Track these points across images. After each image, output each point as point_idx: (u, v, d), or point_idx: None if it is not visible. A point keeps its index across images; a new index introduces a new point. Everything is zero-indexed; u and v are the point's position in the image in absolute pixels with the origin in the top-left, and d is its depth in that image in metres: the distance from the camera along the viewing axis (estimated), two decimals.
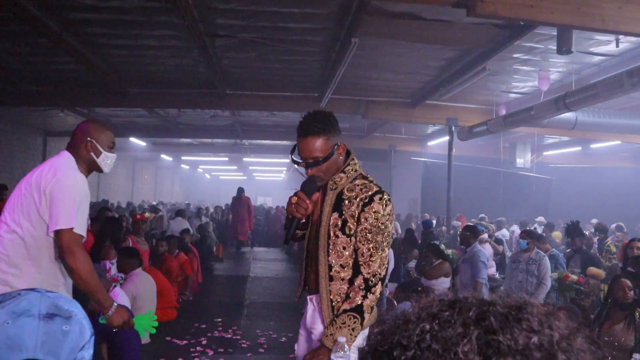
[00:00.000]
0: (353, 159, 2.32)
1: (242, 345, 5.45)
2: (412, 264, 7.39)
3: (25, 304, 0.97)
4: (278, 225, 15.73)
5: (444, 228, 12.07)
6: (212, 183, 38.47)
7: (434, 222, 12.42)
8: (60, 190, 2.33)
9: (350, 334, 2.09)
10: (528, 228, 9.48)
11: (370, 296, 2.13)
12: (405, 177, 18.55)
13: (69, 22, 6.67)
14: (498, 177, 15.17)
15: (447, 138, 11.59)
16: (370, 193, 2.19)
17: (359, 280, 2.15)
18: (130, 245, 6.43)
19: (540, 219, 13.16)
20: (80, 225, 2.37)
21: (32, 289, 1.03)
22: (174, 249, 7.64)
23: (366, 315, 2.13)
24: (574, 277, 6.01)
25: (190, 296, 7.75)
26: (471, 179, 15.35)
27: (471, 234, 6.12)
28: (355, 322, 2.10)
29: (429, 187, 17.40)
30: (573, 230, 6.99)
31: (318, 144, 2.21)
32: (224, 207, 18.83)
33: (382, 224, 2.16)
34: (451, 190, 11.32)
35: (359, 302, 2.12)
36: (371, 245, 2.16)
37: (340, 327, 2.11)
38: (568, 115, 8.56)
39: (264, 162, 24.93)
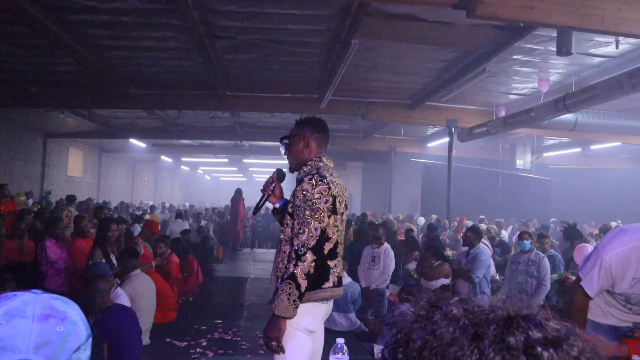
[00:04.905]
0: (320, 159, 2.61)
1: (242, 346, 5.44)
2: (412, 265, 7.38)
3: (19, 305, 0.97)
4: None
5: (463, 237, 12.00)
6: (212, 184, 38.46)
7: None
8: None
9: (288, 299, 2.30)
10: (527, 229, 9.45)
11: (300, 264, 2.33)
12: (405, 179, 18.55)
13: (69, 23, 6.68)
14: (498, 178, 15.17)
15: (447, 139, 11.60)
16: (303, 175, 2.52)
17: (291, 252, 2.39)
18: (142, 251, 6.43)
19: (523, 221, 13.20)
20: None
21: (29, 290, 1.03)
22: (168, 249, 7.62)
23: (301, 281, 2.31)
24: (574, 278, 6.00)
25: (190, 297, 7.75)
26: (471, 180, 15.35)
27: (475, 235, 6.12)
28: (290, 288, 2.31)
29: (429, 189, 17.38)
30: (571, 232, 6.97)
31: (291, 132, 2.70)
32: (223, 208, 18.83)
33: (309, 200, 2.40)
34: (451, 191, 11.32)
35: (292, 270, 2.33)
36: (300, 220, 2.40)
37: (279, 295, 2.32)
38: (568, 116, 8.57)
39: (264, 164, 24.91)
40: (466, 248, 6.22)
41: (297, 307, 2.32)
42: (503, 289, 6.41)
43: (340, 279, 2.55)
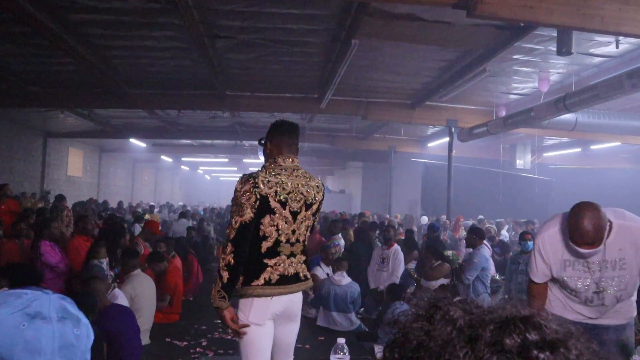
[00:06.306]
0: (275, 160, 2.66)
1: None
2: (412, 265, 7.37)
3: (37, 306, 0.97)
4: None
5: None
6: (212, 184, 38.45)
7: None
8: None
9: (214, 289, 2.50)
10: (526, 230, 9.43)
11: (223, 256, 2.48)
12: (406, 178, 18.55)
13: (69, 23, 6.68)
14: (498, 178, 15.17)
15: (447, 139, 11.59)
16: None
17: None
18: (142, 251, 6.43)
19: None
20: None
21: (35, 288, 1.03)
22: (170, 250, 7.61)
23: (223, 274, 2.47)
24: None
25: (190, 297, 7.74)
26: (471, 180, 15.35)
27: (476, 236, 6.11)
28: (216, 279, 2.50)
29: (429, 188, 17.39)
30: None
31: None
32: (224, 209, 18.84)
33: (236, 197, 2.52)
34: (451, 191, 11.32)
35: (219, 264, 2.52)
36: (230, 216, 2.57)
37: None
38: (568, 116, 8.56)
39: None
40: (470, 249, 6.22)
41: (223, 298, 2.48)
42: (503, 289, 6.42)
43: (285, 276, 2.59)
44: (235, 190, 2.52)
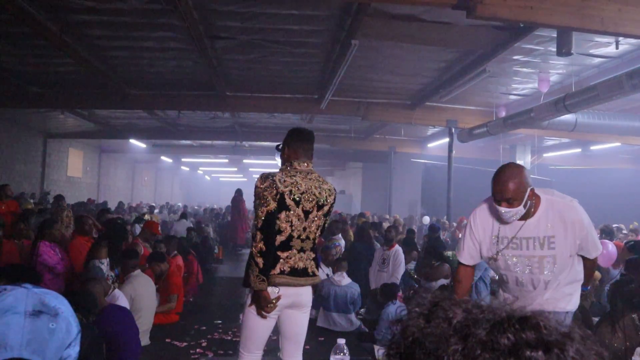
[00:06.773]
0: (292, 164, 2.92)
1: None
2: (412, 265, 7.37)
3: (11, 300, 0.95)
4: None
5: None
6: (212, 185, 38.46)
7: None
8: None
9: (252, 274, 2.77)
10: None
11: (254, 244, 2.77)
12: (405, 179, 18.55)
13: (69, 24, 6.68)
14: None
15: (447, 140, 11.60)
16: None
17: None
18: (142, 251, 6.42)
19: None
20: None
21: (19, 284, 1.01)
22: (173, 250, 7.61)
23: (258, 260, 2.73)
24: None
25: (191, 297, 7.74)
26: (471, 180, 15.33)
27: None
28: (251, 265, 2.77)
29: (429, 189, 17.39)
30: None
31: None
32: (224, 209, 18.84)
33: (258, 192, 2.80)
34: (451, 191, 11.32)
35: (250, 251, 2.83)
36: (254, 210, 2.86)
37: (247, 274, 2.82)
38: (568, 117, 8.56)
39: (264, 164, 24.91)
40: None
41: (263, 281, 2.74)
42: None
43: (295, 269, 2.84)
44: (257, 187, 2.80)
